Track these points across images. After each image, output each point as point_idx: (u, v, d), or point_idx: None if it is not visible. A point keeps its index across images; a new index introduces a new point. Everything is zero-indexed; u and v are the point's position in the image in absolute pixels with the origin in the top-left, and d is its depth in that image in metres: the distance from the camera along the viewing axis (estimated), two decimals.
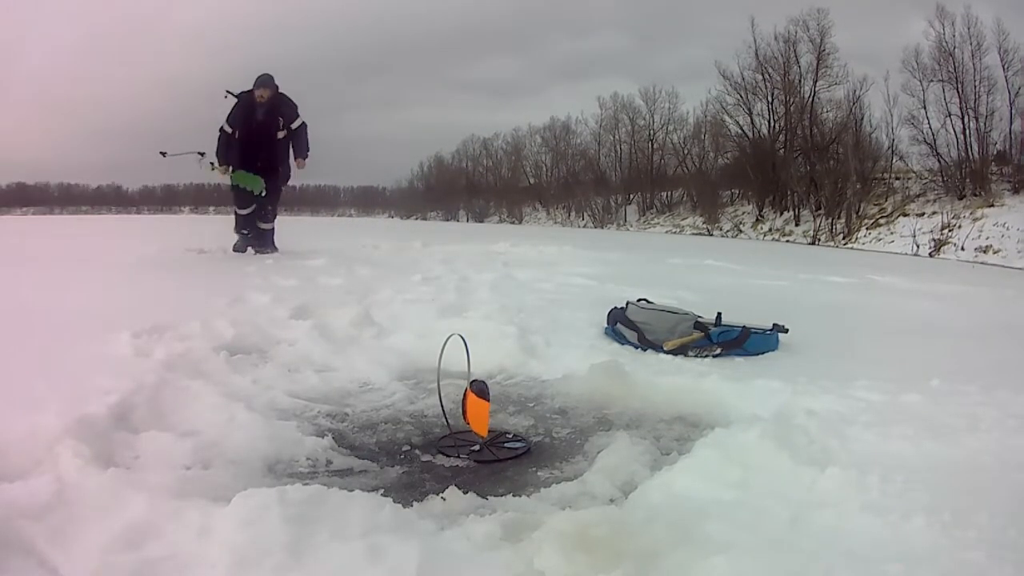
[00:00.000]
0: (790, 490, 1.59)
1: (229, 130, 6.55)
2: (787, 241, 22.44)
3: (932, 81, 20.61)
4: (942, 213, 18.25)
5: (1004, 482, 1.66)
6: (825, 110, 24.52)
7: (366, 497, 1.43)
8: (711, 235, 25.43)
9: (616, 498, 1.70)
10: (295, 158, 6.76)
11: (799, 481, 1.63)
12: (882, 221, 20.45)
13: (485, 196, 44.74)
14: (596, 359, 2.80)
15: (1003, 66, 19.44)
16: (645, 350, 3.25)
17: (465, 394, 2.09)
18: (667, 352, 3.19)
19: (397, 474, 1.92)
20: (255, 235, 6.84)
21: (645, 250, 11.77)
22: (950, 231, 17.53)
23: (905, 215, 19.87)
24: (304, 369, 2.76)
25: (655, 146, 34.02)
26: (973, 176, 19.40)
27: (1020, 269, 13.32)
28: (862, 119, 23.37)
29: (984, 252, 16.01)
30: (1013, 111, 19.46)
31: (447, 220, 43.33)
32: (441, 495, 1.67)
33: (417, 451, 2.09)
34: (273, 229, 7.00)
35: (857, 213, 21.10)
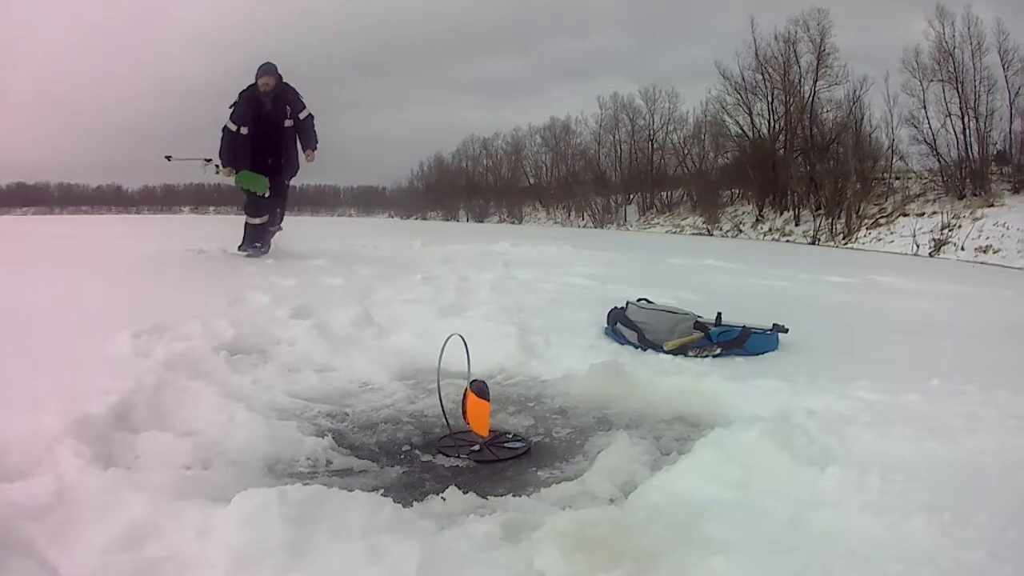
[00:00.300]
0: (790, 490, 1.60)
1: (234, 128, 6.12)
2: (787, 241, 22.45)
3: (932, 81, 20.67)
4: (942, 213, 18.26)
5: (1004, 482, 1.67)
6: (825, 110, 24.60)
7: (366, 497, 1.43)
8: (711, 235, 25.43)
9: (616, 498, 1.70)
10: (303, 150, 6.38)
11: (799, 481, 1.63)
12: (882, 221, 20.46)
13: (485, 196, 44.75)
14: (596, 359, 2.81)
15: (1003, 66, 19.49)
16: (645, 350, 3.25)
17: (465, 394, 2.09)
18: (667, 352, 3.19)
19: (397, 474, 1.92)
20: (260, 233, 6.46)
21: (645, 250, 11.77)
22: (950, 231, 17.53)
23: (905, 215, 19.88)
24: (304, 369, 2.76)
25: (655, 146, 34.09)
26: (973, 176, 19.42)
27: (1020, 269, 13.32)
28: (862, 119, 23.44)
29: (984, 252, 16.01)
30: (1013, 111, 19.53)
31: (447, 220, 43.33)
32: (441, 495, 1.67)
33: (417, 451, 2.09)
34: (279, 230, 6.66)
35: (857, 213, 21.10)
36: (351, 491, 1.43)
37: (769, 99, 25.85)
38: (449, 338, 2.24)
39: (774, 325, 3.42)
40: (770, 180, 25.02)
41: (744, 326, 3.32)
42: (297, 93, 6.35)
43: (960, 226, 17.47)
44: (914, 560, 1.29)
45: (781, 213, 24.80)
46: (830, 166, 23.25)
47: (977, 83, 19.89)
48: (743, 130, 27.08)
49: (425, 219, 45.30)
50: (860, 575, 1.26)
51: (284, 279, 4.77)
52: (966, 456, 1.81)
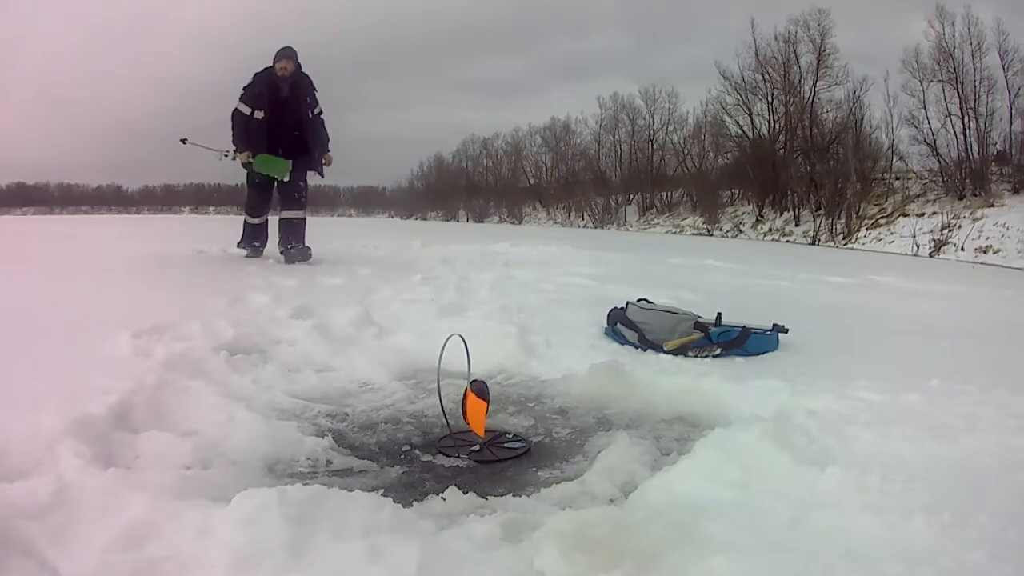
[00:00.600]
0: (790, 490, 1.59)
1: (247, 111, 5.69)
2: (787, 241, 22.44)
3: (932, 81, 20.66)
4: (942, 213, 18.25)
5: (1004, 482, 1.66)
6: (825, 110, 24.58)
7: (366, 497, 1.43)
8: (711, 235, 25.43)
9: (616, 498, 1.70)
10: (320, 151, 5.99)
11: (799, 481, 1.63)
12: (882, 221, 20.45)
13: (485, 196, 44.74)
14: (596, 359, 2.80)
15: (1003, 66, 19.48)
16: (645, 350, 3.25)
17: (465, 394, 2.09)
18: (667, 352, 3.19)
19: (397, 474, 1.92)
20: (285, 230, 5.97)
21: (645, 250, 11.77)
22: (950, 231, 17.52)
23: (905, 215, 19.87)
24: (304, 369, 2.76)
25: (655, 146, 34.06)
26: (973, 176, 19.41)
27: (1020, 269, 13.31)
28: (862, 119, 23.43)
29: (984, 252, 16.00)
30: (1013, 111, 19.51)
31: (447, 220, 43.31)
32: (441, 495, 1.67)
33: (417, 451, 2.09)
34: (305, 220, 6.05)
35: (857, 213, 21.10)
36: (351, 491, 1.43)
37: (769, 99, 25.86)
38: (449, 338, 2.24)
39: (774, 325, 3.42)
40: (770, 180, 25.01)
41: (744, 326, 3.32)
42: (314, 86, 5.96)
43: (960, 226, 17.46)
44: (914, 560, 1.29)
45: (781, 213, 24.79)
46: (830, 166, 23.25)
47: (977, 83, 19.90)
48: (743, 130, 27.10)
49: (425, 219, 45.29)
50: (860, 575, 1.26)
51: (284, 279, 4.78)
52: (966, 456, 1.81)
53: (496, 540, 1.39)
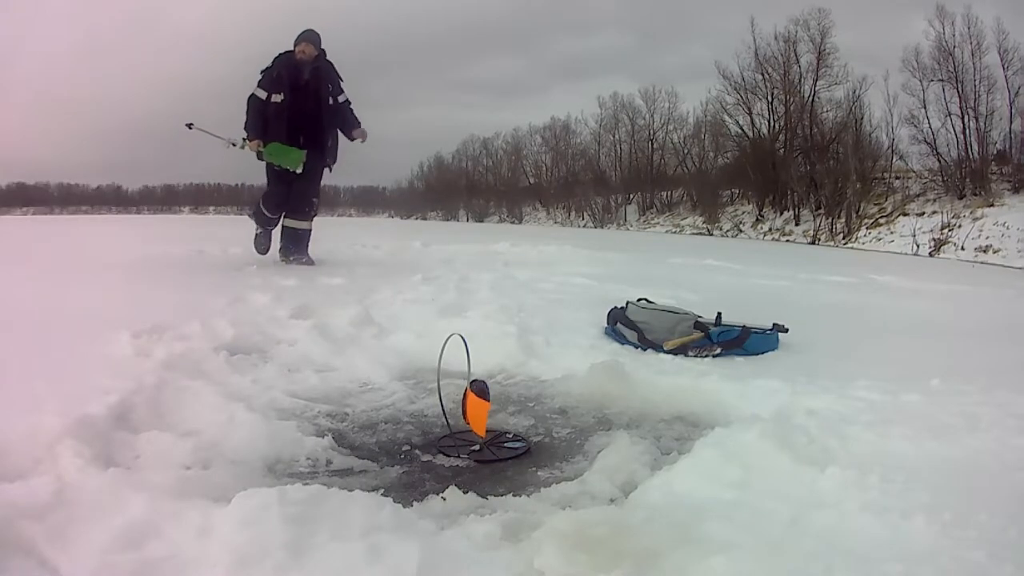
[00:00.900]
0: (790, 490, 1.59)
1: (264, 95, 5.37)
2: (787, 241, 22.44)
3: (932, 81, 20.66)
4: (942, 213, 18.25)
5: (1004, 482, 1.66)
6: (825, 110, 24.58)
7: (366, 497, 1.43)
8: (711, 235, 25.42)
9: (616, 498, 1.70)
10: (347, 132, 5.65)
11: (799, 481, 1.63)
12: (882, 221, 20.46)
13: (485, 196, 44.71)
14: (596, 359, 2.80)
15: (1003, 66, 19.48)
16: (645, 350, 3.25)
17: (465, 394, 2.08)
18: (667, 352, 3.19)
19: (397, 474, 1.92)
20: (288, 239, 5.77)
21: (645, 250, 11.77)
22: (950, 231, 17.53)
23: (905, 215, 19.87)
24: (304, 369, 2.76)
25: (655, 146, 34.08)
26: (973, 176, 19.41)
27: (1020, 269, 13.31)
28: (862, 119, 23.42)
29: (984, 252, 16.01)
30: (1013, 111, 19.51)
31: (447, 220, 43.27)
32: (441, 495, 1.67)
33: (417, 451, 2.09)
34: (309, 232, 5.80)
35: (857, 213, 21.10)
36: (351, 491, 1.43)
37: (769, 99, 25.86)
38: (449, 338, 2.23)
39: (774, 325, 3.42)
40: (770, 180, 25.01)
41: (744, 326, 3.32)
42: (338, 73, 5.61)
43: (960, 226, 17.47)
44: (914, 560, 1.29)
45: (781, 213, 24.80)
46: (830, 166, 23.24)
47: (977, 83, 19.91)
48: (743, 130, 27.10)
49: (425, 219, 45.25)
50: (860, 575, 1.26)
51: (284, 279, 4.78)
52: (966, 456, 1.81)
53: (496, 540, 1.39)
